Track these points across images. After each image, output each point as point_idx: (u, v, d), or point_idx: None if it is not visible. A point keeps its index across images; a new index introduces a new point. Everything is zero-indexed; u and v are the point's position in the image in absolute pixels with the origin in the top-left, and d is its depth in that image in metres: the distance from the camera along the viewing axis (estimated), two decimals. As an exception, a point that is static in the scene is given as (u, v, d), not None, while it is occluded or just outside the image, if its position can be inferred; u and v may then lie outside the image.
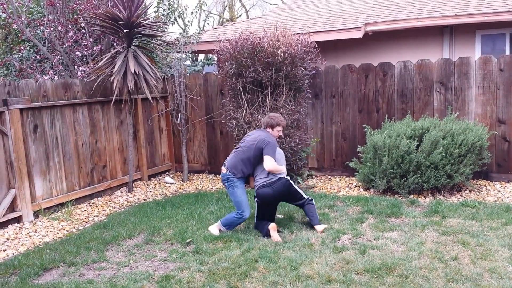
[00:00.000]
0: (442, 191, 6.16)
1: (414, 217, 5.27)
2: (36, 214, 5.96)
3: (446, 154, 5.90)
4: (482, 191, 6.33)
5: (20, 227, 5.64)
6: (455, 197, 6.10)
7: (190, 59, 12.93)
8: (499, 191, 6.27)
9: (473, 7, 8.35)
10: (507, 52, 8.50)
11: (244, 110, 6.87)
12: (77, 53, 7.47)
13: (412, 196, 6.13)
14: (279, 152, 5.17)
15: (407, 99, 7.02)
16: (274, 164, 4.91)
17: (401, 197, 6.11)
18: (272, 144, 4.95)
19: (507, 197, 5.99)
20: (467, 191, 6.28)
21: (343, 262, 4.14)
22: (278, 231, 4.92)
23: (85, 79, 6.94)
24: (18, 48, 8.19)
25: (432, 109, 6.92)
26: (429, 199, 6.03)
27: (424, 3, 9.38)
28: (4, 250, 4.98)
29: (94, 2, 7.39)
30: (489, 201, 5.87)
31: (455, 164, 5.94)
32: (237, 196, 5.00)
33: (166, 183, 7.89)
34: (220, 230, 5.09)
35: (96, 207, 6.56)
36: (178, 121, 8.09)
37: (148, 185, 7.73)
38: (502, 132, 6.63)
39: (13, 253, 4.89)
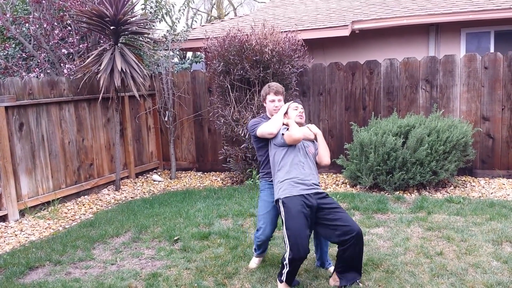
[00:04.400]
0: (428, 187, 6.24)
1: (400, 213, 5.33)
2: (22, 213, 5.91)
3: (432, 150, 5.96)
4: (466, 187, 6.41)
5: (5, 226, 5.59)
6: (440, 193, 6.18)
7: (178, 57, 12.87)
8: (483, 187, 6.36)
9: (459, 5, 8.44)
10: (492, 50, 8.61)
11: (232, 108, 6.88)
12: (63, 50, 7.40)
13: (398, 192, 6.20)
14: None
15: (393, 96, 7.09)
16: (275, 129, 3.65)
17: (387, 194, 6.17)
18: (252, 122, 3.88)
19: (491, 193, 6.08)
20: (452, 187, 6.36)
21: (330, 258, 4.17)
22: None
23: (71, 77, 6.88)
24: (3, 45, 8.10)
25: (417, 106, 6.99)
26: (414, 195, 6.10)
27: (410, 1, 9.45)
28: (-11, 249, 4.93)
29: (80, -1, 7.33)
30: (473, 197, 5.96)
31: (440, 160, 6.01)
32: (258, 206, 3.94)
33: (154, 181, 7.86)
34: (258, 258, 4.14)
35: (83, 205, 6.52)
36: (166, 119, 8.07)
37: (135, 183, 7.70)
38: (487, 129, 6.72)
39: (-2, 252, 4.85)
